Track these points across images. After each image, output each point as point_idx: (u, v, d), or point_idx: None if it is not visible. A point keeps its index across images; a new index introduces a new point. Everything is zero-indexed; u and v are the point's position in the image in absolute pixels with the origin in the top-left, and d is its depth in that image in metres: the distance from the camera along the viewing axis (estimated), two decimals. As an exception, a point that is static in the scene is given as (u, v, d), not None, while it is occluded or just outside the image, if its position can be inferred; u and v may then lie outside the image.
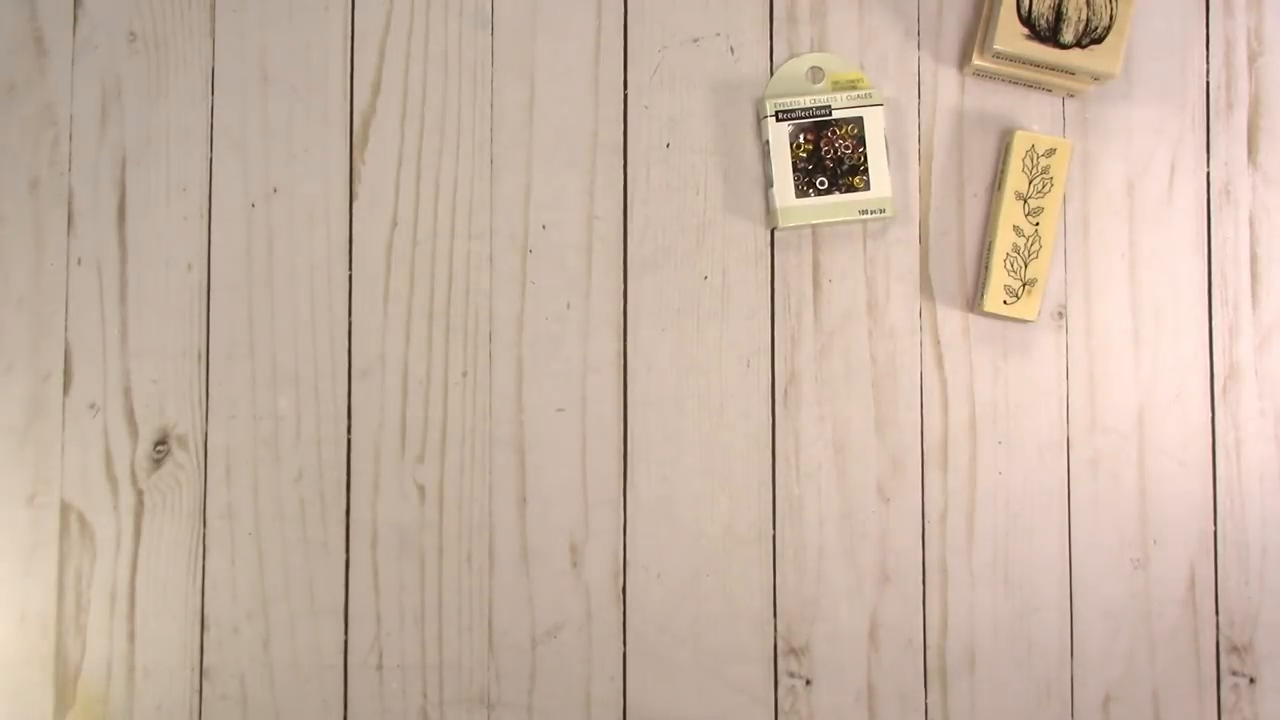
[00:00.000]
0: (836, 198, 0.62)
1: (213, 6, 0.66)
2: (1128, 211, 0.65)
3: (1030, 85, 0.65)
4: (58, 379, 0.65)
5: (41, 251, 0.65)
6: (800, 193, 0.62)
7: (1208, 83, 0.65)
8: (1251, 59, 0.66)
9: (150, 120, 0.66)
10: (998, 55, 0.62)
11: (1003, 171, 0.64)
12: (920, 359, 0.64)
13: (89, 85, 0.66)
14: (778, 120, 0.63)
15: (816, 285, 0.65)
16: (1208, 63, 0.66)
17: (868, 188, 0.63)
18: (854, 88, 0.63)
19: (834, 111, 0.63)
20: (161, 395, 0.65)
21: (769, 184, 0.64)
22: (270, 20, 0.66)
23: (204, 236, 0.65)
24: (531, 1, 0.66)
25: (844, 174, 0.62)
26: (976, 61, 0.63)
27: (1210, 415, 0.65)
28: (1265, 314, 0.65)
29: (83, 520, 0.64)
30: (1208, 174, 0.65)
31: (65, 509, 0.64)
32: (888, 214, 0.63)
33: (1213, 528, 0.64)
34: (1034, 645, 0.64)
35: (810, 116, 0.63)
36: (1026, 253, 0.62)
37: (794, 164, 0.63)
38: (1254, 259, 0.65)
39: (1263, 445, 0.65)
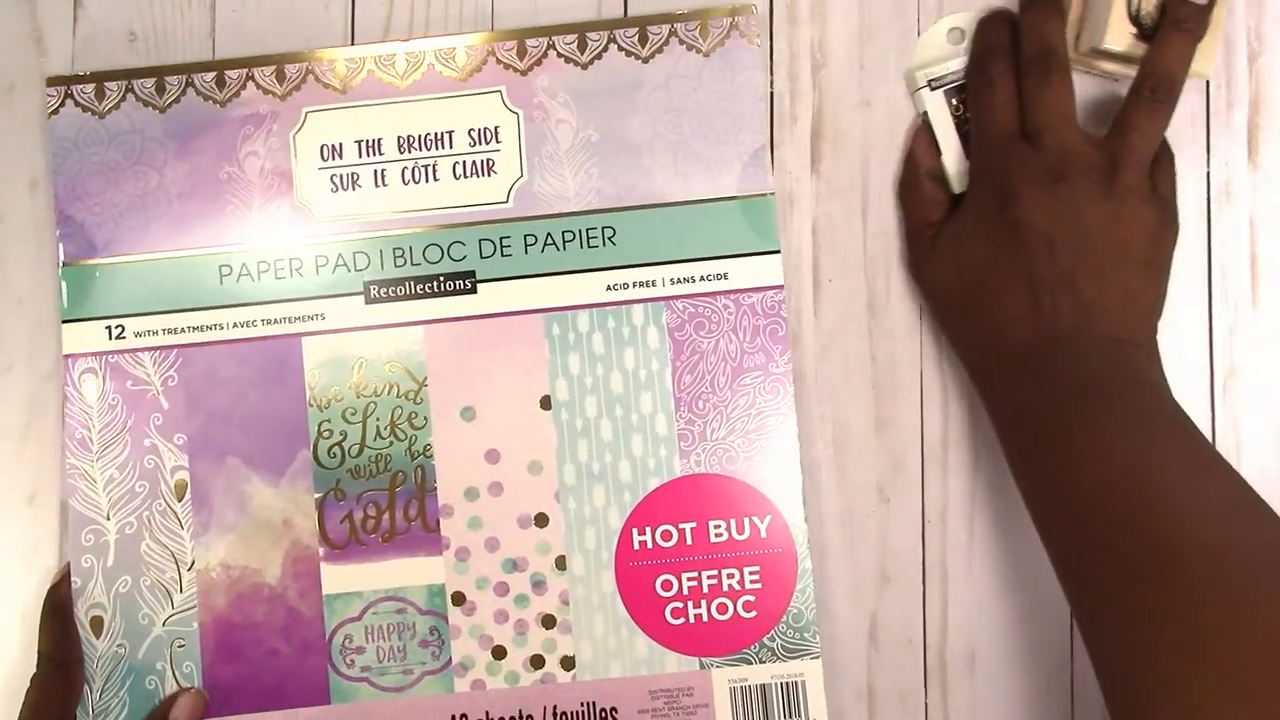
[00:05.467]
0: None
1: (213, 6, 0.66)
2: (1128, 210, 0.65)
3: (1102, 77, 0.64)
4: (58, 379, 0.65)
5: (41, 251, 0.65)
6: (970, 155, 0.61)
7: (1208, 83, 0.65)
8: (1251, 59, 0.65)
9: (150, 120, 0.66)
10: (1101, 53, 0.61)
11: None
12: (920, 359, 0.64)
13: (89, 85, 0.66)
14: (931, 89, 0.62)
15: (816, 285, 0.65)
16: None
17: None
18: None
19: None
20: (161, 395, 0.64)
21: (937, 154, 0.63)
22: (270, 20, 0.66)
23: (203, 236, 0.65)
24: (532, 2, 0.66)
25: None
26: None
27: (1210, 415, 0.64)
28: (1265, 314, 0.64)
29: (83, 520, 0.64)
30: (1208, 174, 0.65)
31: (65, 509, 0.64)
32: None
33: (1212, 527, 0.64)
34: (1034, 645, 0.64)
35: (964, 78, 0.62)
36: None
37: (956, 129, 0.62)
38: (1254, 259, 0.65)
39: (1263, 445, 0.64)
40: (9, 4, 0.66)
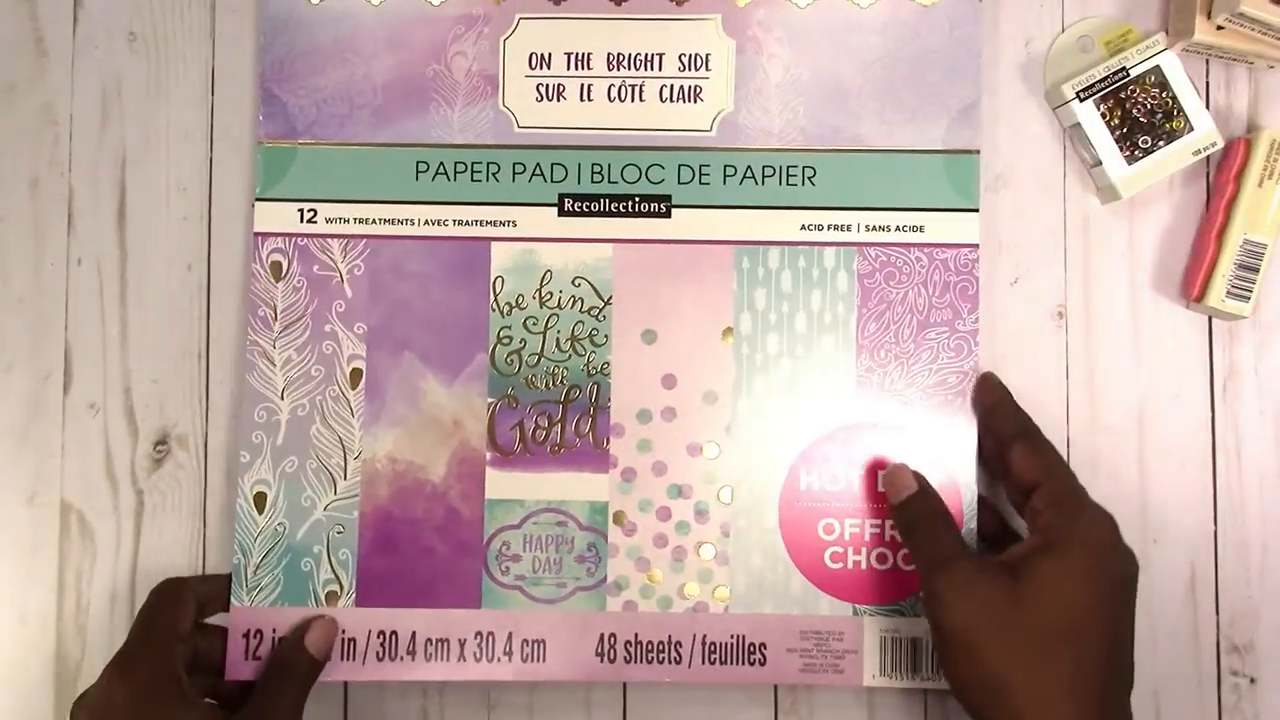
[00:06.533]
0: (1166, 149, 0.62)
1: (213, 6, 0.66)
2: (1128, 211, 0.65)
3: (1234, 59, 0.64)
4: (58, 379, 0.65)
5: (41, 251, 0.65)
6: (1131, 160, 0.62)
7: (1207, 83, 0.66)
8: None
9: (150, 120, 0.66)
10: (1242, 18, 0.60)
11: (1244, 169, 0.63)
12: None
13: (89, 85, 0.66)
14: (1081, 100, 0.62)
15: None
16: (1207, 62, 0.66)
17: (1191, 129, 0.62)
18: (1127, 40, 0.63)
19: (1131, 70, 0.62)
20: (161, 395, 0.65)
21: (1094, 163, 0.63)
22: (267, 22, 0.66)
23: (204, 236, 0.65)
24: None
25: (1161, 122, 0.62)
26: (1198, 37, 0.62)
27: (1210, 415, 0.65)
28: (1265, 314, 0.65)
29: (83, 520, 0.65)
30: (1208, 173, 0.66)
31: (65, 509, 0.65)
32: (1219, 146, 0.62)
33: (1213, 527, 0.65)
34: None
35: (1111, 84, 0.62)
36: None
37: (1112, 135, 0.62)
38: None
39: (1263, 445, 0.65)
40: (9, 4, 0.66)
